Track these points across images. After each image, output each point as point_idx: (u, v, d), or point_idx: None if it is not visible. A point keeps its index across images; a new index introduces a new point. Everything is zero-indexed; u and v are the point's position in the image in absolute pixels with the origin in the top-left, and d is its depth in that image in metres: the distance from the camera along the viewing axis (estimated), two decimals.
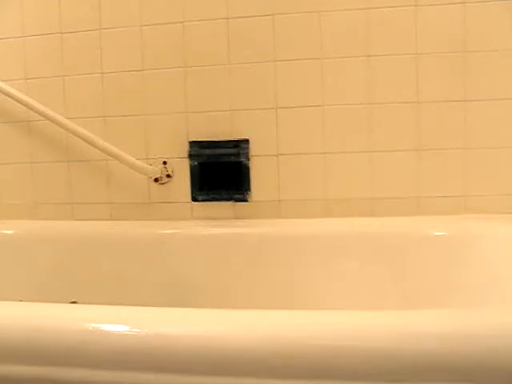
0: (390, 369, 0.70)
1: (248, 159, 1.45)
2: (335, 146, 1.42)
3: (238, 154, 1.45)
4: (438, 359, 0.69)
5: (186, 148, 1.47)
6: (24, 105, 1.49)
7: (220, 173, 1.46)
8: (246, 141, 1.45)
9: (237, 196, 1.46)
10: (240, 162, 1.45)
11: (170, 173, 1.48)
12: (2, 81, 1.50)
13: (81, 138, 1.47)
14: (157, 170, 1.48)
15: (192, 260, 1.42)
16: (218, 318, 0.80)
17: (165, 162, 1.48)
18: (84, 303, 1.28)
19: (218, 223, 1.46)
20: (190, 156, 1.47)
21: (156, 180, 1.49)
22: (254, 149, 1.45)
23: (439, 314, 0.77)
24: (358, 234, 1.36)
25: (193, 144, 1.47)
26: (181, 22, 1.45)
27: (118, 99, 1.50)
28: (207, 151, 1.46)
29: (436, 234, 1.32)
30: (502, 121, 1.35)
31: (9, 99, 1.50)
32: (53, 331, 0.79)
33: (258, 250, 1.39)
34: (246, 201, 1.46)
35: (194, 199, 1.48)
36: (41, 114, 1.48)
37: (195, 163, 1.47)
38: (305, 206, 1.44)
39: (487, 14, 1.33)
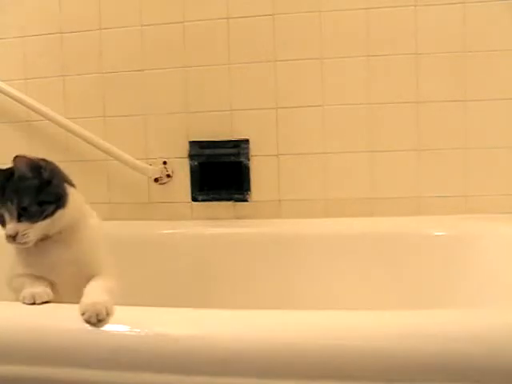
0: (389, 369, 0.70)
1: (248, 159, 1.45)
2: (335, 146, 1.42)
3: (238, 154, 1.45)
4: (438, 359, 0.69)
5: (186, 148, 1.47)
6: (24, 105, 1.49)
7: (220, 173, 1.46)
8: (246, 141, 1.45)
9: (237, 196, 1.46)
10: (240, 162, 1.45)
11: (170, 173, 1.48)
12: (2, 81, 1.50)
13: (81, 137, 1.47)
14: (157, 170, 1.48)
15: (192, 260, 1.42)
16: (217, 317, 0.80)
17: (165, 162, 1.48)
18: None
19: (217, 223, 1.46)
20: (190, 156, 1.47)
21: (156, 180, 1.49)
22: (254, 149, 1.45)
23: (439, 314, 0.77)
24: (358, 234, 1.36)
25: (193, 144, 1.47)
26: (181, 22, 1.45)
27: (117, 99, 1.50)
28: (207, 151, 1.46)
29: (436, 234, 1.32)
30: (502, 121, 1.35)
31: (9, 99, 1.50)
32: (53, 331, 0.79)
33: (258, 250, 1.39)
34: (246, 201, 1.46)
35: (194, 199, 1.48)
36: (41, 114, 1.48)
37: (195, 163, 1.47)
38: (305, 206, 1.44)
39: (487, 14, 1.33)
